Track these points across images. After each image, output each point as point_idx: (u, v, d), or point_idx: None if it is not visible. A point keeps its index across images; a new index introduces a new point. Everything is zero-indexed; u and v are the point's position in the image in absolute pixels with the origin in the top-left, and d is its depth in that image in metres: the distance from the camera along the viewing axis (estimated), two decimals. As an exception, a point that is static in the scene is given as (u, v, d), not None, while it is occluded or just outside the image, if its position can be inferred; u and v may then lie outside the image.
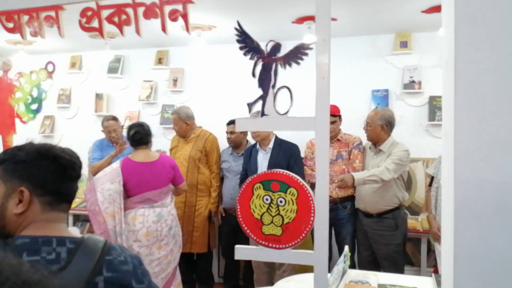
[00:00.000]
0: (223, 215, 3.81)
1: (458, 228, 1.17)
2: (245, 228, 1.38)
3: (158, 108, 4.49)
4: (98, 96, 4.65)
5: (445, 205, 1.23)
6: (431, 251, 3.43)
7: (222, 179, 3.85)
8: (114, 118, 3.87)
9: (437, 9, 3.03)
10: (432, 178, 3.07)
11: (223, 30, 3.62)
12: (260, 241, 1.35)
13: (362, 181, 2.93)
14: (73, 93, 4.84)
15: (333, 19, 3.15)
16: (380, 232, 3.06)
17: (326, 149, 1.27)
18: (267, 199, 1.35)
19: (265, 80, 1.32)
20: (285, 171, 1.34)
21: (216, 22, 3.45)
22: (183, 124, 3.76)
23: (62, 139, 4.89)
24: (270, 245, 1.34)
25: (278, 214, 1.34)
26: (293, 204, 1.32)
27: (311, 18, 3.27)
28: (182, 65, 4.42)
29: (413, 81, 3.70)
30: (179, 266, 4.01)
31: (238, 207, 1.39)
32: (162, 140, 4.20)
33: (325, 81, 1.24)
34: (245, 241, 3.67)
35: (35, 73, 5.01)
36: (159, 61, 4.44)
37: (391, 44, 3.81)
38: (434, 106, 3.65)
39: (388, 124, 3.10)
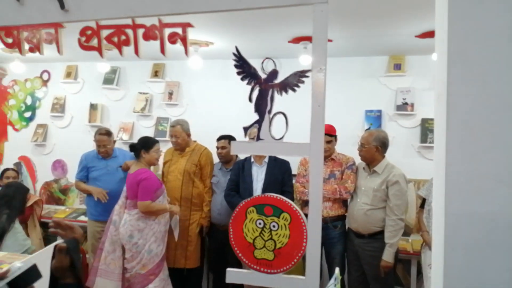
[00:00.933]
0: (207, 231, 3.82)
1: (447, 259, 1.18)
2: (237, 251, 1.38)
3: (152, 120, 4.49)
4: (93, 107, 4.64)
5: (435, 236, 1.25)
6: (420, 273, 3.44)
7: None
8: (108, 133, 3.82)
9: (430, 34, 3.10)
10: (424, 200, 3.10)
11: (220, 46, 3.66)
12: (252, 265, 1.35)
13: (395, 249, 3.01)
14: (67, 103, 4.83)
15: (329, 40, 3.20)
16: (371, 253, 3.06)
17: (320, 174, 1.29)
18: (260, 223, 1.36)
19: (261, 105, 1.34)
20: (279, 196, 1.35)
21: (213, 39, 3.48)
22: (185, 135, 3.77)
23: (54, 148, 4.86)
24: (262, 269, 1.34)
25: (271, 238, 1.34)
26: (286, 229, 1.33)
27: (307, 38, 3.32)
28: (178, 78, 4.44)
29: (406, 103, 3.75)
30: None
31: (231, 230, 1.39)
32: (156, 153, 4.18)
33: (321, 108, 1.26)
34: (233, 256, 3.66)
35: (30, 81, 4.99)
36: (155, 73, 4.46)
37: (385, 65, 3.87)
38: (426, 128, 3.70)
39: (383, 145, 3.13)
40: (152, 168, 3.60)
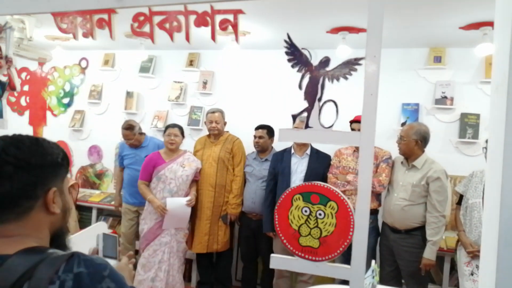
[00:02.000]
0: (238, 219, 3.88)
1: (501, 256, 1.15)
2: (282, 238, 1.39)
3: (186, 109, 4.55)
4: (129, 94, 4.74)
5: (487, 230, 1.22)
6: (454, 270, 3.37)
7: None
8: (130, 127, 3.95)
9: (475, 26, 3.00)
10: (461, 196, 3.02)
11: (257, 36, 3.66)
12: (297, 252, 1.36)
13: (437, 247, 2.98)
14: (104, 90, 4.95)
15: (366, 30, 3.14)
16: (407, 248, 3.02)
17: (370, 166, 1.27)
18: (306, 211, 1.36)
19: (311, 93, 1.33)
20: (326, 184, 1.34)
21: (250, 28, 3.48)
22: (223, 123, 3.84)
23: (91, 134, 5.00)
24: (306, 256, 1.35)
25: (317, 226, 1.34)
26: (332, 217, 1.33)
27: (347, 28, 3.27)
28: (213, 68, 4.47)
29: (445, 97, 3.65)
30: (198, 266, 4.07)
31: (276, 216, 1.40)
32: (189, 141, 4.25)
33: (373, 97, 1.24)
34: (264, 245, 3.70)
35: (69, 68, 5.14)
36: (190, 63, 4.50)
37: (425, 58, 3.77)
38: (465, 123, 3.60)
39: (423, 140, 3.06)
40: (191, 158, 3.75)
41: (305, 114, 1.32)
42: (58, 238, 1.00)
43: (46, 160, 0.95)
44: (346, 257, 1.34)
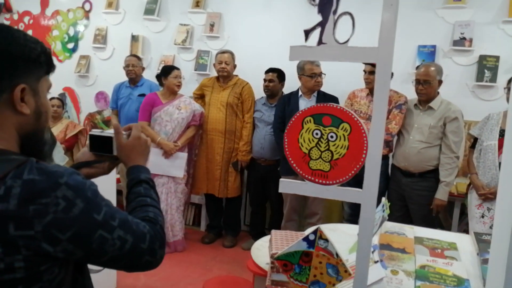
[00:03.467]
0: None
1: None
2: (292, 162, 1.33)
3: (193, 53, 4.42)
4: (134, 38, 4.61)
5: (506, 171, 1.15)
6: (464, 214, 3.35)
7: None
8: (136, 56, 4.13)
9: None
10: (475, 139, 2.94)
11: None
12: (307, 176, 1.31)
13: (450, 188, 2.98)
14: (109, 34, 4.81)
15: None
16: (420, 192, 3.00)
17: (387, 82, 1.19)
18: (317, 134, 1.29)
19: (326, 5, 1.22)
20: (339, 105, 1.27)
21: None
22: (233, 64, 3.74)
23: (97, 80, 4.93)
24: (317, 180, 1.30)
25: (328, 149, 1.28)
26: (344, 140, 1.26)
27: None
28: (220, 9, 4.29)
29: (464, 38, 3.47)
30: (207, 211, 4.12)
31: (286, 140, 1.34)
32: (196, 87, 4.15)
33: (393, 8, 1.13)
34: (273, 190, 3.70)
35: (72, 11, 4.98)
36: (197, 4, 4.32)
37: (444, -4, 3.56)
38: (483, 66, 3.44)
39: (441, 80, 2.98)
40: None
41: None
42: (30, 143, 0.89)
43: (15, 50, 0.83)
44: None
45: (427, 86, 2.94)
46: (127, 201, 1.06)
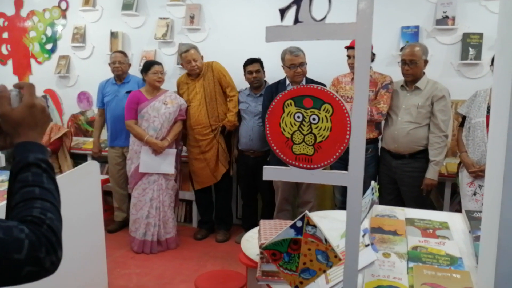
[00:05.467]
0: (234, 158, 3.83)
1: (507, 171, 1.05)
2: (274, 147, 1.28)
3: (175, 47, 4.33)
4: (113, 35, 4.51)
5: (493, 148, 1.12)
6: (456, 193, 3.34)
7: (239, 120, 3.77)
8: (123, 52, 4.02)
9: None
10: (464, 118, 2.92)
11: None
12: (291, 161, 1.26)
13: (440, 167, 2.96)
14: (87, 32, 4.70)
15: None
16: (410, 173, 2.99)
17: (367, 60, 1.15)
18: (298, 117, 1.24)
19: (300, -19, 1.17)
20: (320, 86, 1.22)
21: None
22: (201, 58, 3.65)
23: (78, 80, 4.82)
24: (301, 165, 1.25)
25: (311, 132, 1.24)
26: (327, 121, 1.21)
27: None
28: (199, 1, 4.20)
29: (447, 17, 3.45)
30: (198, 206, 4.07)
31: (267, 125, 1.29)
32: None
33: (370, -21, 1.09)
34: (263, 181, 3.65)
35: (48, 11, 4.85)
36: (175, -4, 4.23)
37: (425, -25, 3.52)
38: (467, 44, 3.42)
39: (427, 59, 2.96)
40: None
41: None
42: None
43: None
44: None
45: (413, 66, 2.91)
46: (9, 193, 0.80)
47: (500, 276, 1.14)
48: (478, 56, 3.40)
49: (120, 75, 3.95)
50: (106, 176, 4.21)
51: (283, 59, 3.28)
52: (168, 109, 3.52)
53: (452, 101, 3.49)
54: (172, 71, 4.30)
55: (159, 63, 3.62)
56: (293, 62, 3.20)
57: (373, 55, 3.18)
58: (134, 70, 4.20)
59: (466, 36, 3.42)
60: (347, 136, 1.20)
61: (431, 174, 2.91)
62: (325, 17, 1.17)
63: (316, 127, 1.23)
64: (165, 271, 3.28)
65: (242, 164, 3.82)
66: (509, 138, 1.05)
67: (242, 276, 2.32)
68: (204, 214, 4.02)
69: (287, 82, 3.37)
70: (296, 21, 1.19)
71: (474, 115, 2.76)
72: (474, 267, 1.43)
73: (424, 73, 2.97)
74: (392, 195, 3.15)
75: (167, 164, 3.54)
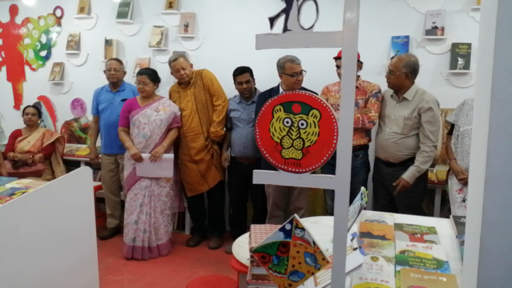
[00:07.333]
0: (228, 163, 3.82)
1: (488, 179, 1.08)
2: (264, 152, 1.31)
3: (169, 55, 4.35)
4: (108, 43, 4.54)
5: (475, 155, 1.15)
6: (445, 200, 3.39)
7: (230, 129, 3.80)
8: (118, 60, 4.03)
9: None
10: (452, 126, 2.97)
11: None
12: (280, 165, 1.29)
13: (419, 174, 2.95)
14: (82, 39, 4.73)
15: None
16: None
17: (353, 67, 1.18)
18: (287, 122, 1.28)
19: (289, -9, 1.21)
20: (309, 92, 1.26)
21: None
22: (190, 66, 3.69)
23: (72, 87, 4.84)
24: (290, 169, 1.28)
25: (299, 137, 1.27)
26: (315, 126, 1.25)
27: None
28: (194, 9, 4.26)
29: (436, 27, 3.52)
30: (190, 214, 4.07)
31: (257, 130, 1.32)
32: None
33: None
34: (255, 189, 3.68)
35: (43, 18, 4.88)
36: (170, 5, 4.28)
37: (414, -14, 3.60)
38: (456, 54, 3.49)
39: (413, 72, 2.97)
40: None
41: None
42: None
43: None
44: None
45: (392, 75, 2.99)
46: None
47: (483, 278, 1.17)
48: (466, 66, 3.47)
49: (115, 82, 3.97)
50: (98, 183, 4.21)
51: (282, 67, 3.27)
52: (159, 116, 3.54)
53: (442, 110, 3.55)
54: (166, 79, 4.32)
55: (144, 73, 3.58)
56: (295, 70, 3.23)
57: (361, 63, 3.23)
58: (128, 78, 4.22)
59: (455, 46, 3.49)
60: (334, 141, 1.23)
61: (408, 176, 2.94)
62: (313, 26, 1.21)
63: (305, 132, 1.26)
64: (157, 277, 3.27)
65: (234, 171, 3.84)
66: (489, 141, 1.08)
67: (233, 282, 2.33)
68: (197, 221, 4.02)
69: (281, 90, 3.40)
70: (285, 29, 1.23)
71: (462, 123, 2.81)
72: (460, 270, 1.46)
73: (413, 83, 3.01)
74: (386, 200, 3.19)
75: (165, 169, 3.54)
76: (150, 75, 3.57)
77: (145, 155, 3.50)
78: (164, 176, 3.57)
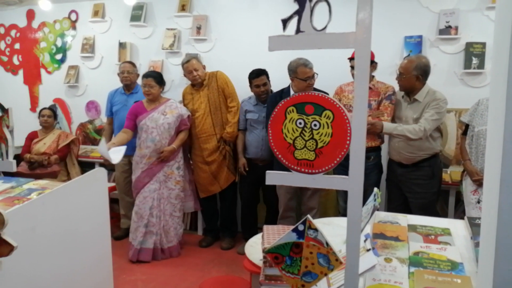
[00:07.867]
0: (246, 168, 3.76)
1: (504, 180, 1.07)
2: (277, 153, 1.32)
3: (181, 57, 4.39)
4: (122, 45, 4.60)
5: (490, 155, 1.14)
6: (460, 201, 3.35)
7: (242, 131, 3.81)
8: (131, 63, 4.09)
9: None
10: (467, 126, 2.94)
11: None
12: (293, 166, 1.30)
13: (389, 132, 2.88)
14: (96, 43, 4.80)
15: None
16: (416, 181, 2.99)
17: (367, 68, 1.18)
18: (300, 123, 1.28)
19: (301, -7, 1.22)
20: (321, 93, 1.26)
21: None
22: (203, 67, 3.70)
23: (87, 90, 4.91)
24: (303, 170, 1.29)
25: (312, 138, 1.27)
26: (328, 127, 1.25)
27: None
28: (206, 12, 4.28)
29: (449, 26, 3.48)
30: (203, 214, 4.09)
31: (270, 132, 1.33)
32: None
33: (368, -9, 1.13)
34: (269, 191, 3.68)
35: (59, 22, 4.97)
36: (182, 7, 4.31)
37: (427, -14, 3.57)
38: (470, 53, 3.45)
39: (423, 74, 2.93)
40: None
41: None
42: None
43: None
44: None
45: (401, 78, 2.96)
46: None
47: (498, 280, 1.15)
48: (481, 65, 3.43)
49: (129, 85, 4.02)
50: (112, 184, 4.26)
51: (294, 71, 3.23)
52: (166, 120, 3.53)
53: (456, 110, 3.53)
54: (179, 81, 4.37)
55: (149, 76, 3.55)
56: (308, 74, 3.18)
57: (375, 63, 3.21)
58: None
59: (469, 45, 3.45)
60: (348, 142, 1.23)
61: (386, 126, 2.87)
62: (325, 27, 1.21)
63: (317, 133, 1.27)
64: (170, 278, 3.30)
65: (248, 172, 3.84)
66: (505, 141, 1.07)
67: (246, 282, 2.34)
68: (209, 222, 4.04)
69: (291, 91, 3.39)
70: (298, 30, 1.24)
71: (477, 123, 2.77)
72: (475, 272, 1.45)
73: (424, 84, 2.97)
74: (400, 201, 3.18)
75: (116, 153, 3.31)
76: (155, 77, 3.55)
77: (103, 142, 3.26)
78: (108, 159, 3.29)
